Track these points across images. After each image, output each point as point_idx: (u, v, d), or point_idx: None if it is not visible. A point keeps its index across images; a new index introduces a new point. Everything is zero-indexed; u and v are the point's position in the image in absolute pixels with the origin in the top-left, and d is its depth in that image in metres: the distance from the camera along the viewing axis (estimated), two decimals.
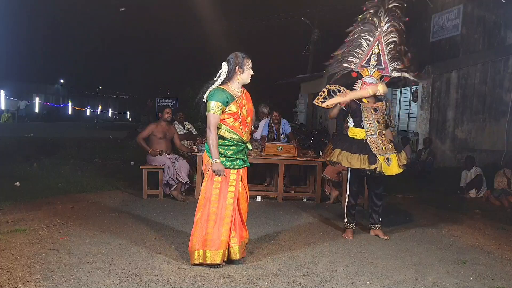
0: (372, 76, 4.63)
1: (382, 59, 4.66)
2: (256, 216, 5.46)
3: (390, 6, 4.61)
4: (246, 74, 3.60)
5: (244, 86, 3.69)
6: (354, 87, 4.70)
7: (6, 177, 7.04)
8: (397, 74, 4.73)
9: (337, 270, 3.59)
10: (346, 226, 4.72)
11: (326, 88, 4.68)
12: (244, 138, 3.61)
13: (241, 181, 3.62)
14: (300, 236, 4.62)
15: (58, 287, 3.01)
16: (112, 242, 4.06)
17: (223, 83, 3.57)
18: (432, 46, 11.70)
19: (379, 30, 4.62)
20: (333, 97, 4.60)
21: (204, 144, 4.34)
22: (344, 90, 4.63)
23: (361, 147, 4.53)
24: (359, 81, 4.69)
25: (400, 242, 4.56)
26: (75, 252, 3.72)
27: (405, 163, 4.60)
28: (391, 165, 4.48)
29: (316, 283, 3.30)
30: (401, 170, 4.56)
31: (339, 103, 4.54)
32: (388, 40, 4.64)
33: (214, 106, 3.47)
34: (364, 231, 4.89)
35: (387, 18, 4.62)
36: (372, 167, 4.42)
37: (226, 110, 3.51)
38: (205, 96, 3.56)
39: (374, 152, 4.47)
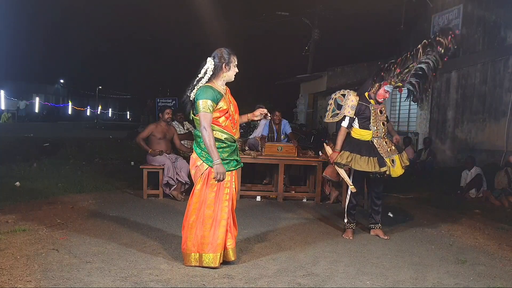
0: (391, 85, 4.59)
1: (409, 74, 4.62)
2: (256, 216, 5.47)
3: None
4: (232, 72, 3.49)
5: (227, 83, 3.57)
6: (367, 89, 4.66)
7: (6, 177, 7.05)
8: (409, 86, 4.75)
9: (337, 270, 3.59)
10: (346, 226, 4.72)
11: (332, 99, 4.67)
12: (236, 137, 3.55)
13: (234, 181, 3.58)
14: (300, 236, 4.62)
15: (58, 287, 3.01)
16: (112, 242, 4.06)
17: (208, 80, 3.44)
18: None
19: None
20: (340, 105, 4.61)
21: None
22: (348, 92, 4.63)
23: (369, 149, 4.53)
24: (377, 84, 4.59)
25: (400, 242, 4.56)
26: (75, 252, 3.72)
27: (407, 163, 4.65)
28: (396, 166, 4.55)
29: (316, 283, 3.29)
30: (403, 171, 4.62)
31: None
32: (422, 60, 4.65)
33: (206, 105, 3.33)
34: (364, 231, 4.90)
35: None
36: (383, 169, 4.44)
37: (217, 107, 3.39)
38: (192, 95, 3.42)
39: (382, 155, 4.49)
